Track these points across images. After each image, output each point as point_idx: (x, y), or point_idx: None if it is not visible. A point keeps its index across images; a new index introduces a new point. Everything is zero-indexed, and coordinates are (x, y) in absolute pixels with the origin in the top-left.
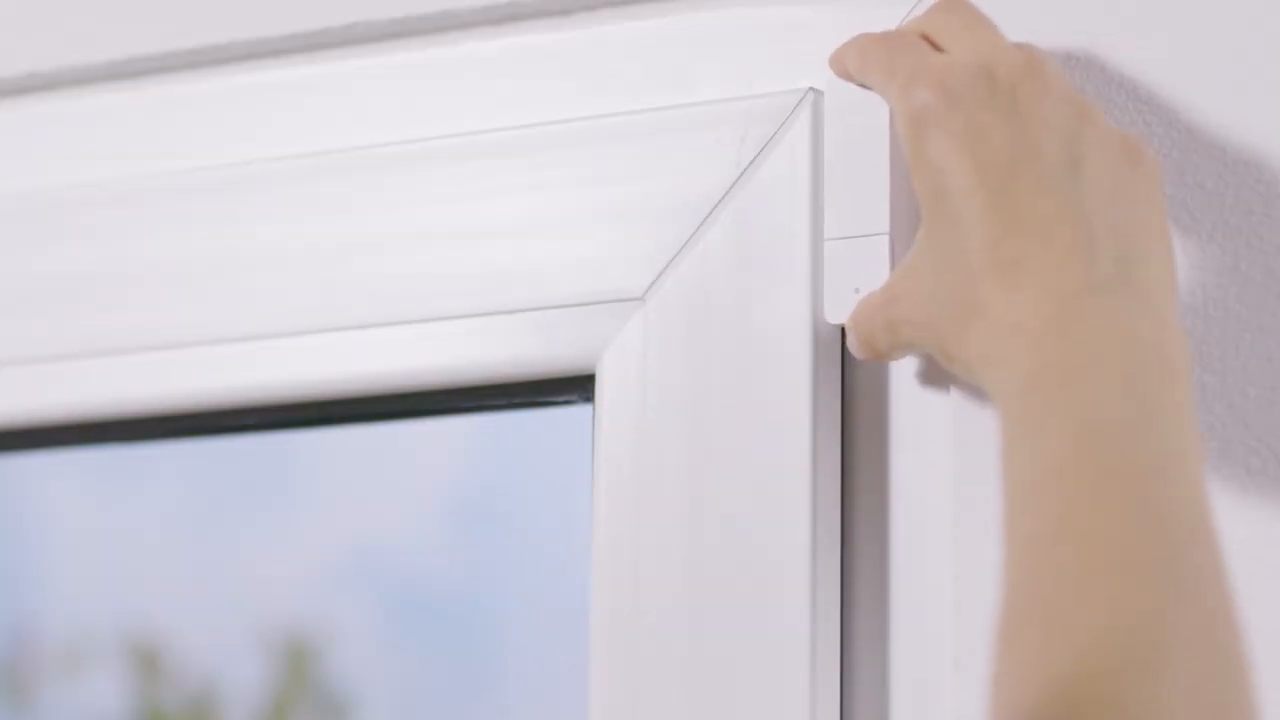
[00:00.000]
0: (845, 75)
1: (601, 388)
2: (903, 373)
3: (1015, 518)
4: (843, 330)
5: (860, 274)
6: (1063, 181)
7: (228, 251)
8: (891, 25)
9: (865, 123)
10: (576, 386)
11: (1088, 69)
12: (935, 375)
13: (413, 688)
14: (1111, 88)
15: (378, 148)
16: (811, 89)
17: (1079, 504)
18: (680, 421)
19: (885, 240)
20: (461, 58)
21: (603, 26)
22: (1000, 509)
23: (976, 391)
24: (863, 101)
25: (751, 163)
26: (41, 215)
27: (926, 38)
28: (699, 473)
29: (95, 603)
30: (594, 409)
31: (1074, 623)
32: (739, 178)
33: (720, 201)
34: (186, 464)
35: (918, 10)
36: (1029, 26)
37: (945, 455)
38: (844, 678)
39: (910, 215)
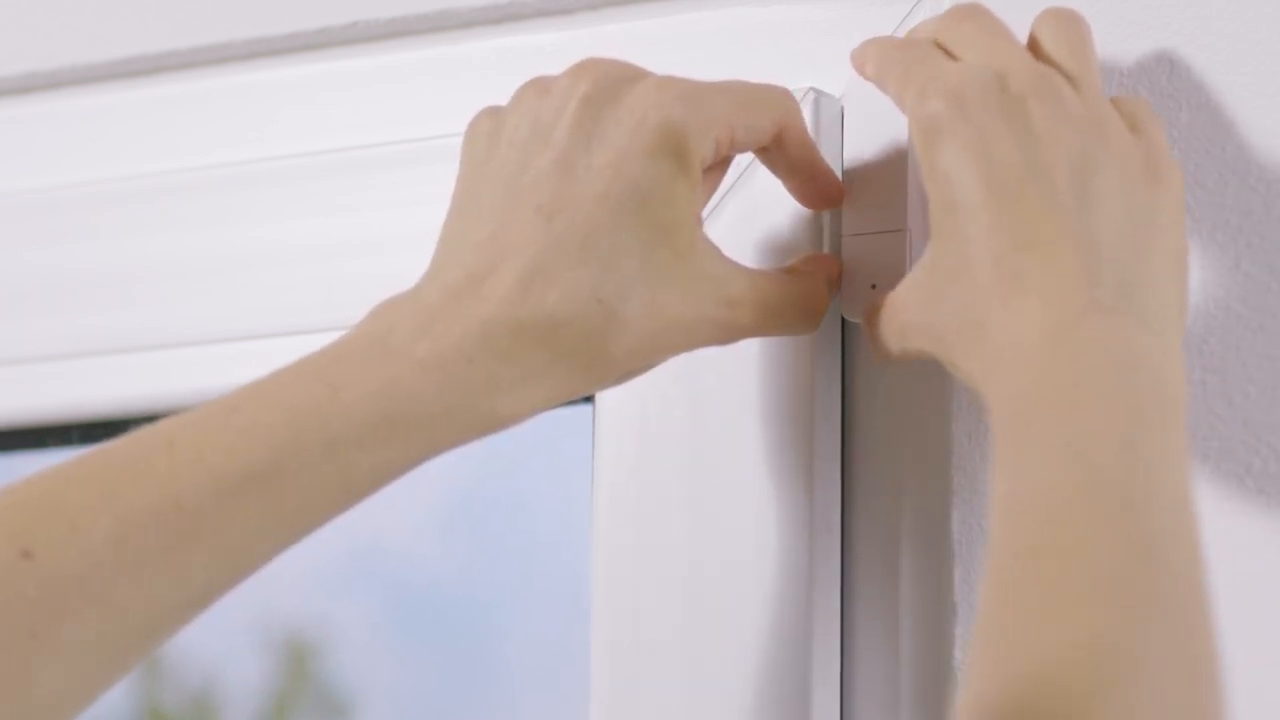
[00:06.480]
0: (863, 76)
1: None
2: (903, 370)
3: (995, 534)
4: (843, 327)
5: (878, 271)
6: (1069, 202)
7: (228, 251)
8: (891, 25)
9: (884, 118)
10: None
11: None
12: (935, 373)
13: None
14: (1112, 87)
15: (378, 147)
16: (813, 89)
17: (1057, 523)
18: (680, 421)
19: (904, 237)
20: (461, 58)
21: (603, 26)
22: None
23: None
24: (882, 97)
25: (753, 161)
26: (41, 215)
27: (941, 45)
28: (699, 472)
29: None
30: (594, 408)
31: (1045, 641)
32: (740, 176)
33: (721, 202)
34: None
35: (917, 10)
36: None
37: (945, 453)
38: (844, 677)
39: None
